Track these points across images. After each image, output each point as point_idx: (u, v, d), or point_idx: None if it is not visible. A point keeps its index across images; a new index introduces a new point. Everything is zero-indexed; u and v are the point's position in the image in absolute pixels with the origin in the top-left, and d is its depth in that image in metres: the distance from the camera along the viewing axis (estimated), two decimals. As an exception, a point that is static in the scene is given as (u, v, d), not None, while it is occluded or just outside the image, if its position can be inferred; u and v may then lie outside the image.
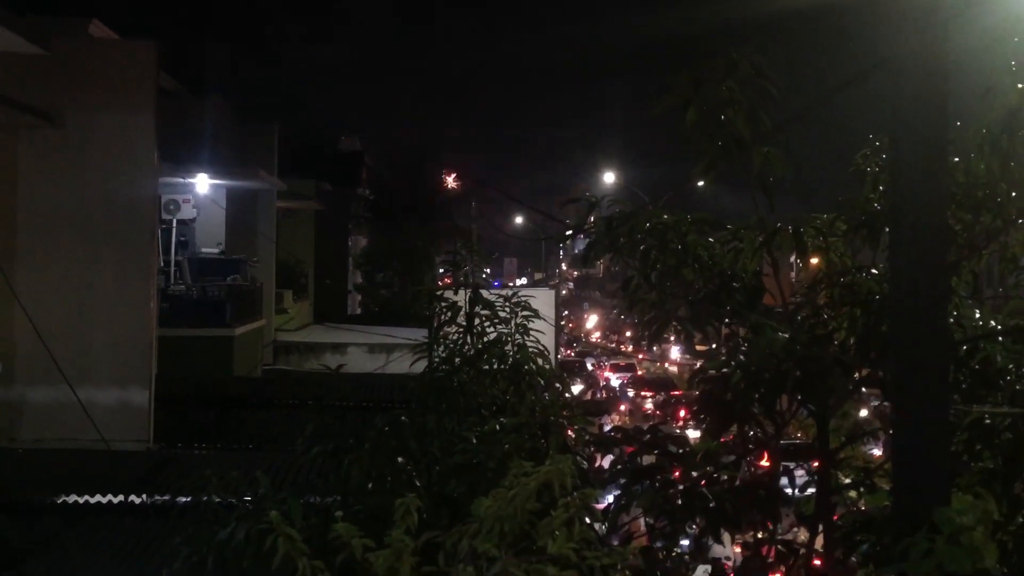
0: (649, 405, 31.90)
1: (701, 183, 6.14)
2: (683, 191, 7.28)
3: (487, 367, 7.33)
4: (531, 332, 7.65)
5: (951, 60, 3.01)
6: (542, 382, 7.21)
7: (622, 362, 41.30)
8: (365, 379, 16.13)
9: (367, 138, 39.53)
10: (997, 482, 5.43)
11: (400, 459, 5.33)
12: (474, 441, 5.58)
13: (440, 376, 7.23)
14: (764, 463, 6.98)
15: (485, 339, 7.51)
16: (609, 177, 38.26)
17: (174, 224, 20.43)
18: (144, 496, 9.91)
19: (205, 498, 5.35)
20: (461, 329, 7.64)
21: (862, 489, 6.13)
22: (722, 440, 6.20)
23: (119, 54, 14.94)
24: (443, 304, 7.87)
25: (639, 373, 38.84)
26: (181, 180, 20.10)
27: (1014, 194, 6.24)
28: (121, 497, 9.98)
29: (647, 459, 5.86)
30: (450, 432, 6.25)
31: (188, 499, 5.44)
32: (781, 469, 5.93)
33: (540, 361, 7.35)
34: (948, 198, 2.65)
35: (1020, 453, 5.37)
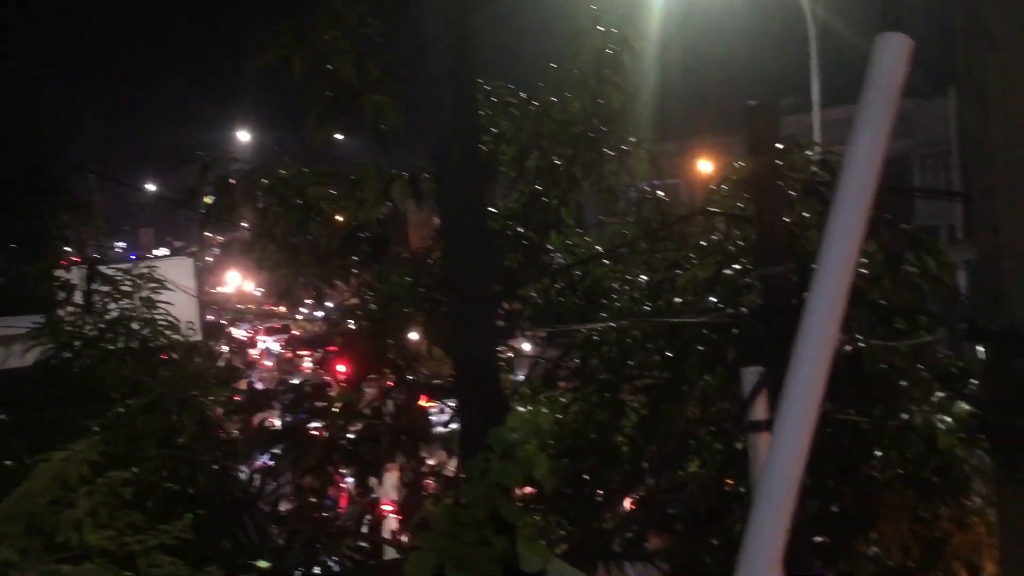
0: (308, 364, 31.66)
1: (329, 136, 6.08)
2: (318, 147, 7.17)
3: (112, 347, 6.83)
4: (162, 304, 7.22)
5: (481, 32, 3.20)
6: (175, 356, 6.86)
7: (277, 324, 40.49)
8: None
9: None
10: (608, 391, 6.06)
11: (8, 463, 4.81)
12: (96, 429, 5.17)
13: (57, 364, 6.62)
14: (423, 404, 7.27)
15: (107, 317, 6.98)
16: (245, 136, 36.81)
17: None
18: None
19: None
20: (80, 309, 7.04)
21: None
22: (379, 389, 6.30)
23: None
24: (55, 284, 7.20)
25: (295, 333, 38.35)
26: None
27: (604, 129, 6.87)
28: None
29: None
30: (72, 422, 5.75)
31: None
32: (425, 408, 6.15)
33: (171, 334, 6.98)
34: (477, 148, 2.89)
35: (623, 363, 6.01)
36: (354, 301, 5.85)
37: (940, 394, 5.31)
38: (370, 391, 6.29)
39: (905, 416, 5.42)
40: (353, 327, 5.49)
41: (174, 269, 13.23)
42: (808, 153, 5.40)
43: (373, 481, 7.28)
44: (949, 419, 5.08)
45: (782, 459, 2.60)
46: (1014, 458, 2.56)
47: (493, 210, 6.96)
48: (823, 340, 2.78)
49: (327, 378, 7.16)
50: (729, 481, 6.14)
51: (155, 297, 7.05)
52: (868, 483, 5.00)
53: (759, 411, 3.41)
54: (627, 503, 7.16)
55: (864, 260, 5.37)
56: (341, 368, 6.38)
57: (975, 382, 5.15)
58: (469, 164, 2.85)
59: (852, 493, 4.97)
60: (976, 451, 4.90)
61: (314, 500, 5.45)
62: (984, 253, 2.79)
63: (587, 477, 6.36)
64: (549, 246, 7.05)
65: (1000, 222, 2.74)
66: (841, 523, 4.93)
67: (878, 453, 5.09)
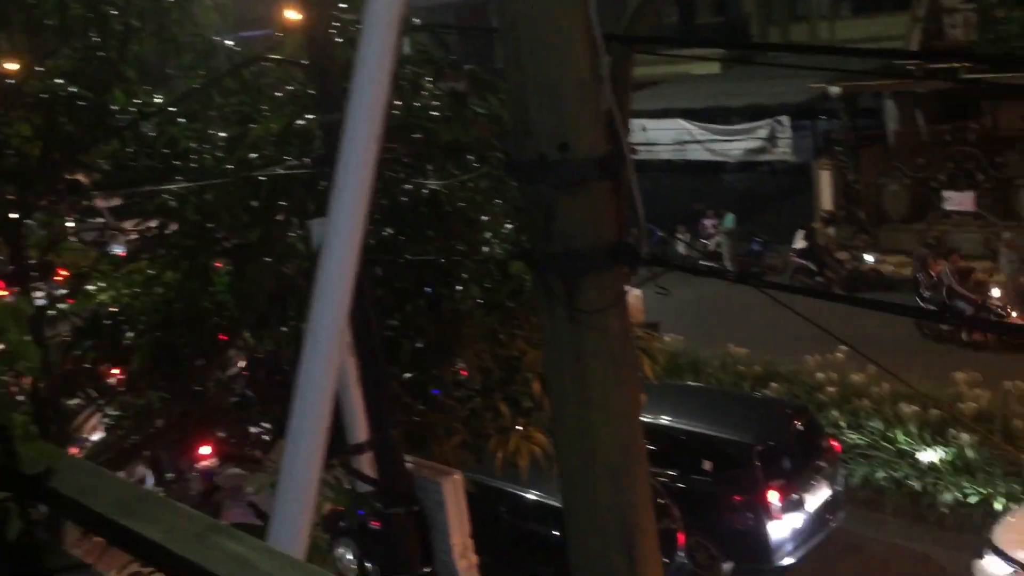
0: None
1: None
2: None
3: None
4: None
5: None
6: None
7: None
8: None
9: None
10: (193, 257, 5.76)
11: None
12: None
13: None
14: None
15: None
16: None
17: None
18: None
19: None
20: None
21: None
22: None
23: None
24: None
25: None
26: None
27: None
28: None
29: None
30: None
31: None
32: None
33: None
34: None
35: (205, 226, 5.70)
36: None
37: (511, 225, 5.71)
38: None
39: (485, 249, 5.78)
40: None
41: None
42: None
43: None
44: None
45: (327, 296, 2.61)
46: (545, 277, 2.80)
47: (39, 69, 6.16)
48: (359, 174, 2.77)
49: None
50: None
51: None
52: (452, 316, 5.29)
53: (328, 261, 3.40)
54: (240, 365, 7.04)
55: (434, 103, 5.51)
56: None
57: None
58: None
59: (437, 327, 5.25)
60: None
61: None
62: (512, 88, 2.93)
63: (186, 350, 6.11)
64: (113, 107, 6.40)
65: (524, 57, 2.87)
66: (428, 357, 5.21)
67: (459, 288, 5.39)
